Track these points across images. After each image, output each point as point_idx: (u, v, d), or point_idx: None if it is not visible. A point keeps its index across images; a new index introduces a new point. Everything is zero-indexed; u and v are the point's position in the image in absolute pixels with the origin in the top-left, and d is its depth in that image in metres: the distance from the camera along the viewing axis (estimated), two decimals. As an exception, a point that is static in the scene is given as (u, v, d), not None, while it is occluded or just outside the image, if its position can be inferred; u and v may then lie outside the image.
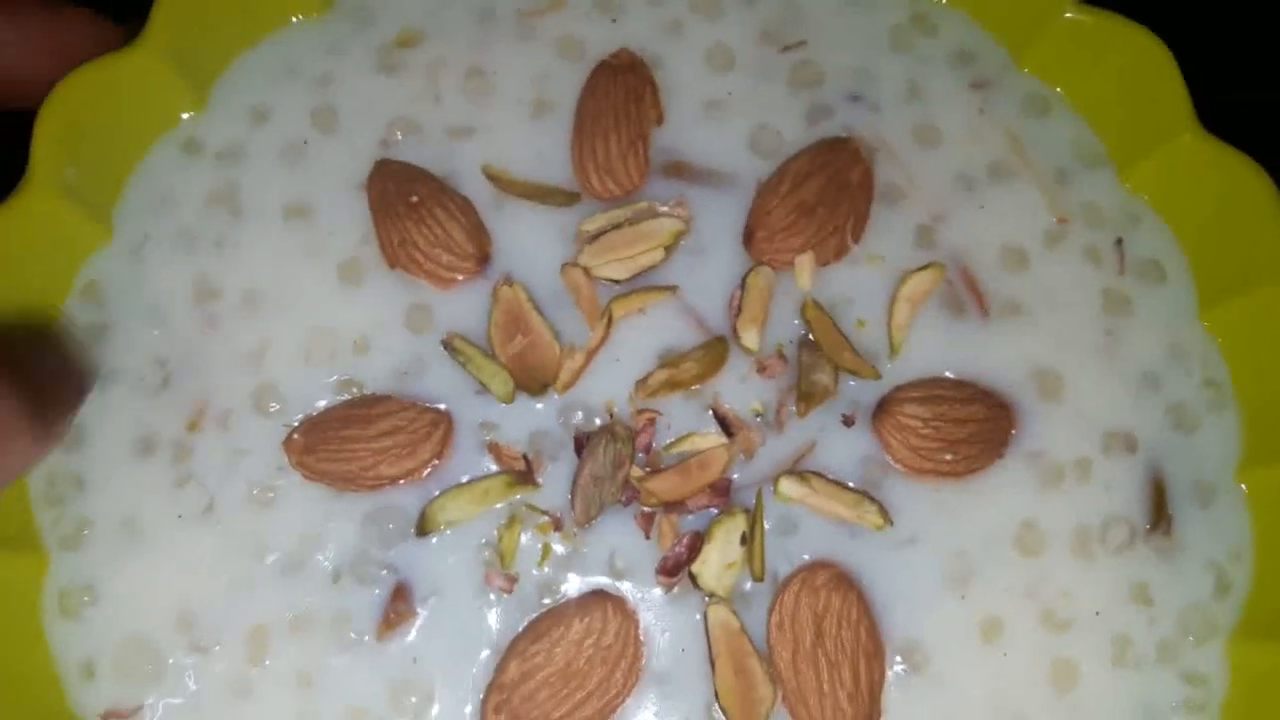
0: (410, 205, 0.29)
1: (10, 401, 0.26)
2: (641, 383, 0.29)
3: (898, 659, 0.29)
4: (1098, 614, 0.28)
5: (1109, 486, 0.28)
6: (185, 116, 0.31)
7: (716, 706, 0.27)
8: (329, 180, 0.30)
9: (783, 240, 0.29)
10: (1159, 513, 0.28)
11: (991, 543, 0.28)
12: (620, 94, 0.30)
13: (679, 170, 0.30)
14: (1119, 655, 0.28)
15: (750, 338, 0.29)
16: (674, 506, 0.29)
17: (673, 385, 0.29)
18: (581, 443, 0.29)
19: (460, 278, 0.29)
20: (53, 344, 0.29)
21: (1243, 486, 0.30)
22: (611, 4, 0.31)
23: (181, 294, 0.29)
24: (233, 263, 0.29)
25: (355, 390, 0.29)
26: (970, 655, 0.29)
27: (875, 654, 0.27)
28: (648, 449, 0.29)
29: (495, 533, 0.28)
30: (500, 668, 0.27)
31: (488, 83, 0.30)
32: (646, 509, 0.29)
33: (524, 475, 0.28)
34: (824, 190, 0.29)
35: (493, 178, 0.30)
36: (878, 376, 0.30)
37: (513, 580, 0.28)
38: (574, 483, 0.29)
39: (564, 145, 0.31)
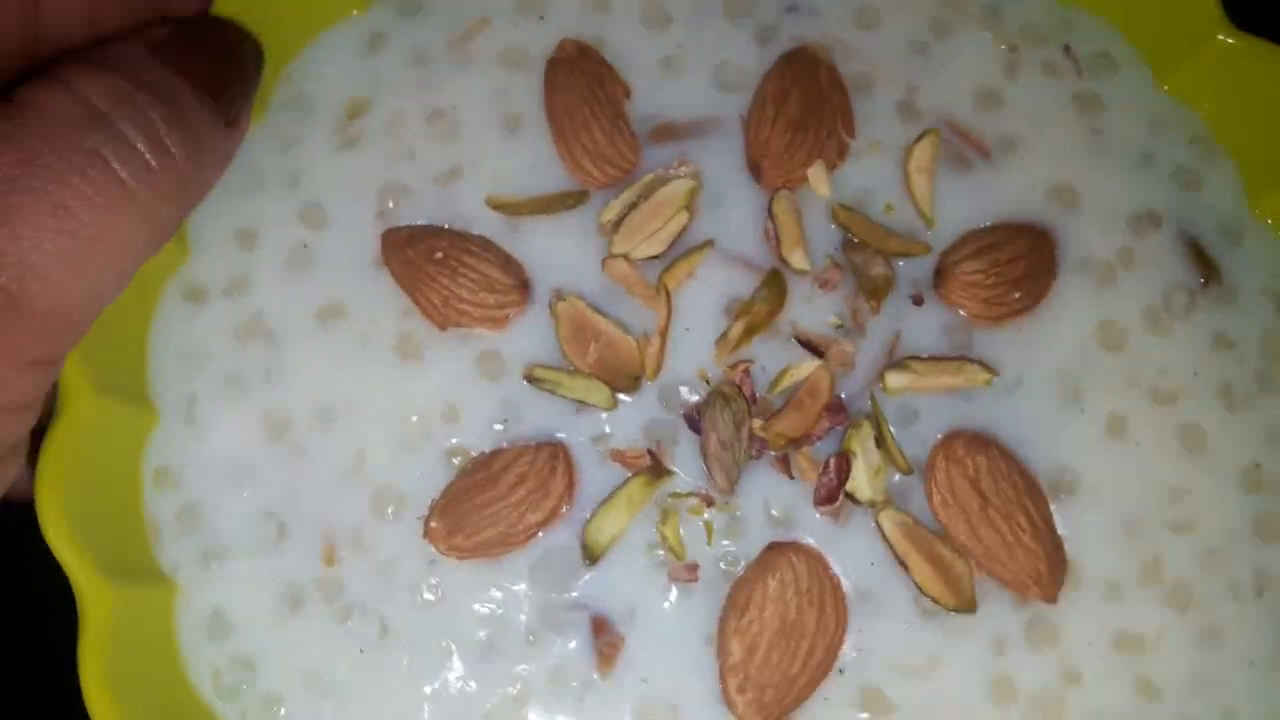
0: (437, 263, 0.30)
1: (195, 102, 0.26)
2: (721, 340, 0.31)
3: (1053, 489, 0.32)
4: (1196, 374, 0.30)
5: (1155, 262, 0.32)
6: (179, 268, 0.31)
7: (924, 598, 0.28)
8: (345, 270, 0.30)
9: (788, 160, 0.32)
10: (1205, 267, 0.31)
11: (1082, 353, 0.33)
12: (581, 83, 0.32)
13: (665, 133, 0.32)
14: (1228, 401, 0.30)
15: (798, 259, 0.32)
16: (801, 441, 0.31)
17: (750, 331, 0.31)
18: (694, 418, 0.31)
19: (511, 312, 0.29)
20: (215, 29, 0.29)
21: (1258, 213, 0.34)
22: (534, 4, 0.31)
23: (254, 438, 0.29)
24: (290, 388, 0.30)
25: (464, 457, 0.29)
26: (1110, 458, 0.33)
27: (1035, 490, 0.30)
28: (753, 398, 0.30)
29: (655, 532, 0.30)
30: (723, 651, 0.28)
31: (451, 120, 0.31)
32: (778, 453, 0.30)
33: (656, 469, 0.29)
34: (804, 102, 0.31)
35: (499, 206, 0.31)
36: (927, 250, 0.33)
37: (694, 569, 0.29)
38: (704, 456, 0.31)
39: (549, 150, 0.33)
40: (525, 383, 0.31)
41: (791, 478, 0.31)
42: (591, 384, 0.31)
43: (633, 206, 0.32)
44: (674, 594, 0.30)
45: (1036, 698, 0.30)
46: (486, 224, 0.33)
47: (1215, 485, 0.32)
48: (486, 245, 0.32)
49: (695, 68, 0.34)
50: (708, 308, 0.33)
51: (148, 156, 0.26)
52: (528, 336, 0.32)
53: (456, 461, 0.31)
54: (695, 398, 0.32)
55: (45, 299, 0.25)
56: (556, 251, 0.33)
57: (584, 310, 0.31)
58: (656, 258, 0.33)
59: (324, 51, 0.33)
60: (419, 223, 0.32)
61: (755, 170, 0.33)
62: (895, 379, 0.32)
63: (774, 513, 0.31)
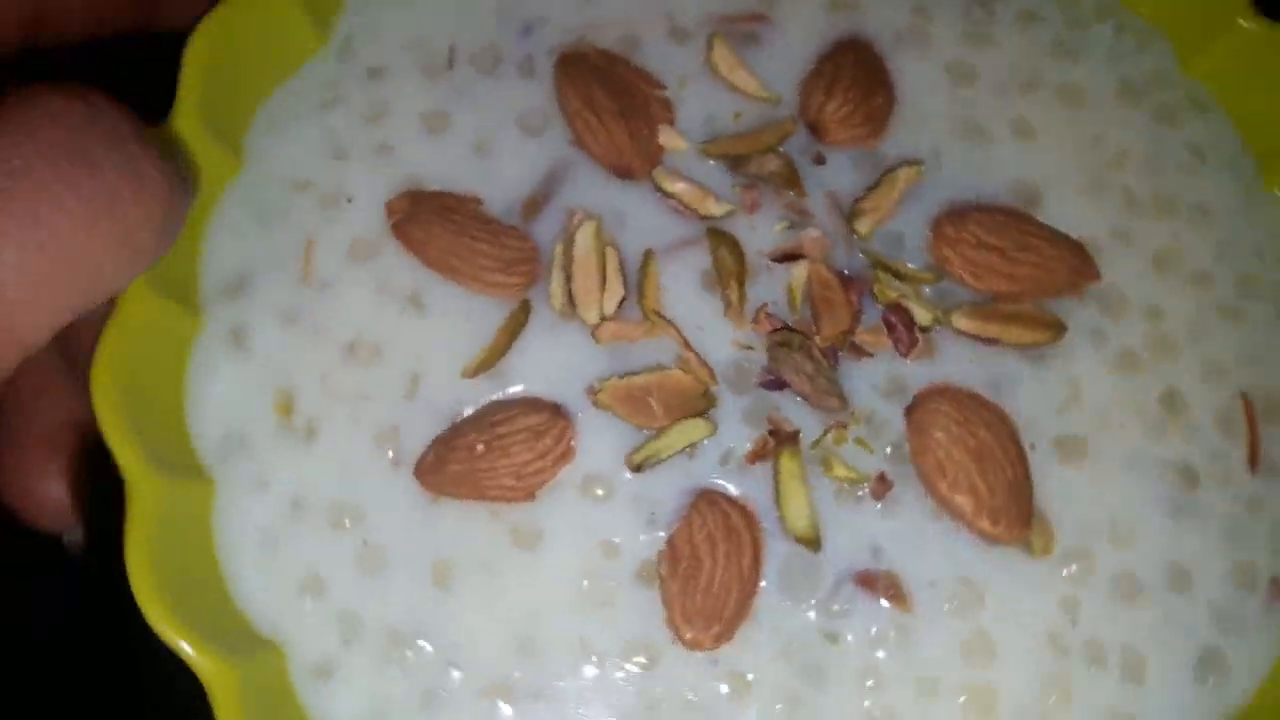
0: (485, 454, 0.34)
1: (155, 152, 0.25)
2: (729, 309, 0.35)
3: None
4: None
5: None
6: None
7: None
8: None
9: (634, 146, 0.36)
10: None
11: (949, 92, 0.38)
12: (437, 222, 0.35)
13: (532, 205, 0.37)
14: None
15: (713, 206, 0.36)
16: (853, 325, 0.35)
17: (739, 284, 0.35)
18: (773, 380, 0.34)
19: (567, 438, 0.34)
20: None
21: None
22: (338, 197, 0.35)
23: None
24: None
25: (651, 570, 0.33)
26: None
27: (1021, 215, 0.36)
28: (791, 327, 0.35)
29: (832, 482, 0.34)
30: (954, 506, 0.34)
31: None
32: (845, 349, 0.35)
33: (786, 438, 0.34)
34: (609, 93, 0.37)
35: (478, 369, 0.35)
36: (793, 122, 0.37)
37: (882, 478, 0.34)
38: (806, 397, 0.34)
39: (463, 293, 0.35)
40: (634, 473, 0.31)
41: (872, 355, 0.34)
42: (681, 428, 0.33)
43: (569, 279, 0.32)
44: (884, 506, 0.33)
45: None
46: (476, 392, 0.34)
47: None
48: (504, 408, 0.33)
49: (503, 140, 0.36)
50: (693, 297, 0.35)
51: (149, 169, 0.25)
52: (597, 443, 0.33)
53: (661, 571, 0.32)
54: (758, 365, 0.34)
55: None
56: (551, 363, 0.34)
57: (620, 384, 0.33)
58: (625, 298, 0.34)
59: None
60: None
61: (622, 172, 0.34)
62: (861, 224, 0.34)
63: (885, 391, 0.33)
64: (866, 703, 0.31)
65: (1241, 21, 0.36)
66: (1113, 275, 0.35)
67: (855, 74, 0.36)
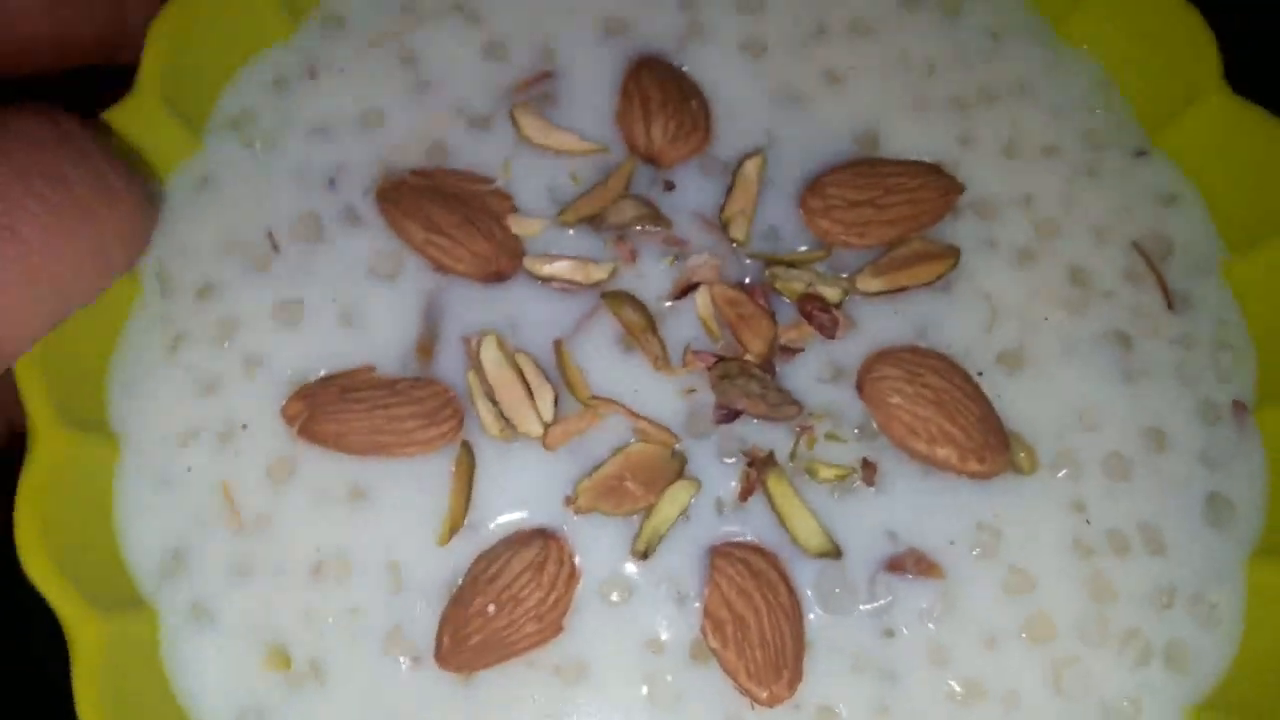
0: (494, 614, 0.33)
1: (122, 168, 0.28)
2: (656, 360, 0.35)
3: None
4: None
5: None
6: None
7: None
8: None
9: (471, 254, 0.37)
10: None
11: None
12: (356, 410, 0.35)
13: (423, 347, 0.35)
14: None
15: (595, 272, 0.36)
16: (773, 330, 0.36)
17: (652, 331, 0.36)
18: (726, 413, 0.35)
19: (566, 533, 0.34)
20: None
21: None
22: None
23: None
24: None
25: (699, 648, 0.33)
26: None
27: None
28: (721, 355, 0.36)
29: (827, 487, 0.35)
30: (939, 458, 0.35)
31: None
32: (779, 356, 0.36)
33: (765, 464, 0.33)
34: (438, 205, 0.37)
35: (451, 531, 0.33)
36: (605, 149, 0.38)
37: (870, 465, 0.35)
38: (763, 416, 0.35)
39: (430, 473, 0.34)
40: (642, 560, 0.34)
41: (803, 349, 0.36)
42: (668, 498, 0.35)
43: (495, 402, 0.33)
44: (878, 487, 0.35)
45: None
46: (459, 554, 0.34)
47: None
48: (494, 557, 0.33)
49: (364, 299, 0.36)
50: (618, 366, 0.35)
51: (116, 184, 0.27)
52: (596, 548, 0.34)
53: (711, 644, 0.33)
54: (708, 404, 0.35)
55: None
56: (518, 491, 0.34)
57: (592, 482, 0.34)
58: (556, 396, 0.35)
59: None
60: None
61: (494, 277, 0.36)
62: (736, 230, 0.37)
63: (829, 378, 0.36)
64: (946, 681, 0.33)
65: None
66: (975, 180, 0.37)
67: (661, 90, 0.38)
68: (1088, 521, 0.34)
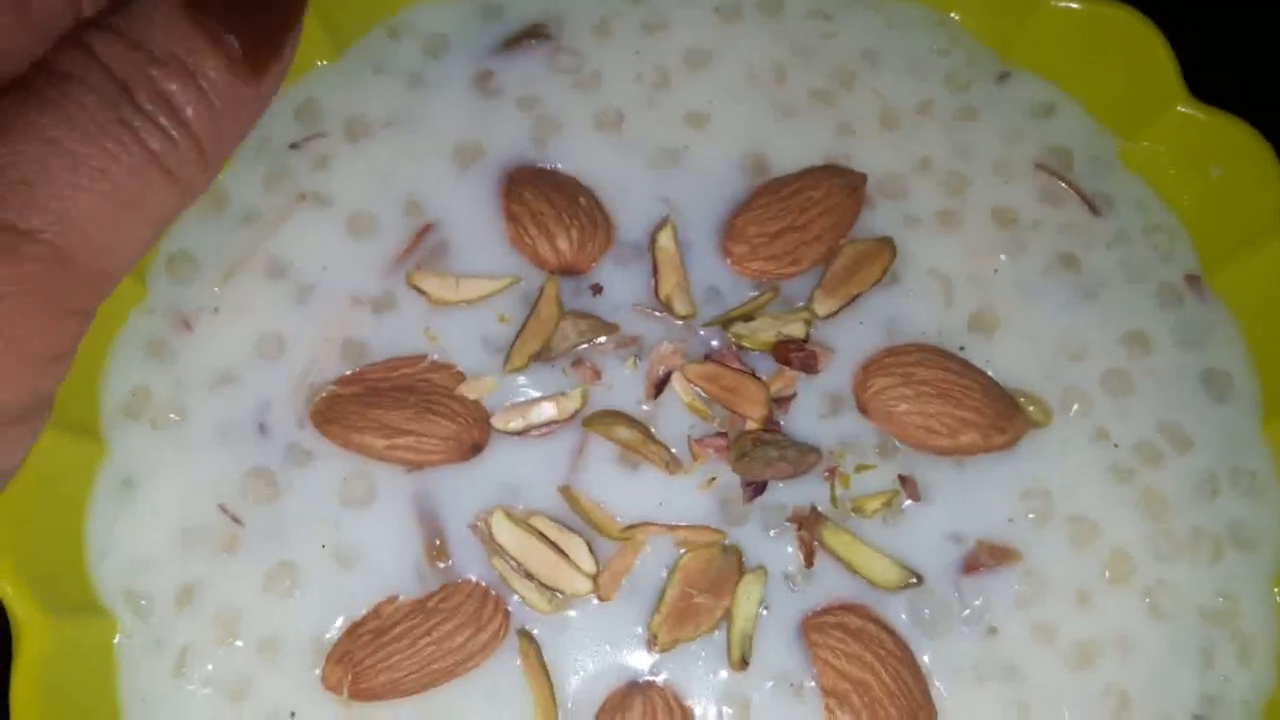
0: None
1: (216, 62, 0.30)
2: (668, 465, 0.36)
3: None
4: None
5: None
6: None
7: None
8: None
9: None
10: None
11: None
12: None
13: (437, 552, 0.34)
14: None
15: (572, 402, 0.36)
16: (768, 394, 0.36)
17: (648, 445, 0.36)
18: (755, 486, 0.35)
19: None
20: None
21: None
22: None
23: None
24: None
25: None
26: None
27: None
28: (730, 436, 0.36)
29: (871, 515, 0.35)
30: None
31: None
32: (778, 411, 0.36)
33: (812, 520, 0.31)
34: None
35: None
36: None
37: (910, 481, 0.36)
38: (799, 467, 0.35)
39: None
40: (744, 669, 0.34)
41: (795, 395, 0.36)
42: (741, 599, 0.34)
43: (530, 576, 0.34)
44: (924, 499, 0.36)
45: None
46: None
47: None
48: (614, 715, 0.34)
49: (354, 532, 0.35)
50: (632, 486, 0.35)
51: (169, 129, 0.30)
52: (695, 678, 0.34)
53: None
54: (735, 486, 0.36)
55: (86, 253, 0.30)
56: (594, 659, 0.34)
57: (664, 615, 0.34)
58: (590, 545, 0.35)
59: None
60: None
61: (472, 450, 0.36)
62: (679, 307, 0.37)
63: (831, 412, 0.36)
64: (1058, 654, 0.35)
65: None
66: (870, 164, 0.40)
67: (547, 202, 0.38)
68: (1115, 445, 0.37)
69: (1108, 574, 0.36)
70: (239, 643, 0.35)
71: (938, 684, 0.35)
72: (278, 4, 0.33)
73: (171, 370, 0.37)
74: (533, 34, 0.40)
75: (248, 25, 0.32)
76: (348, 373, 0.37)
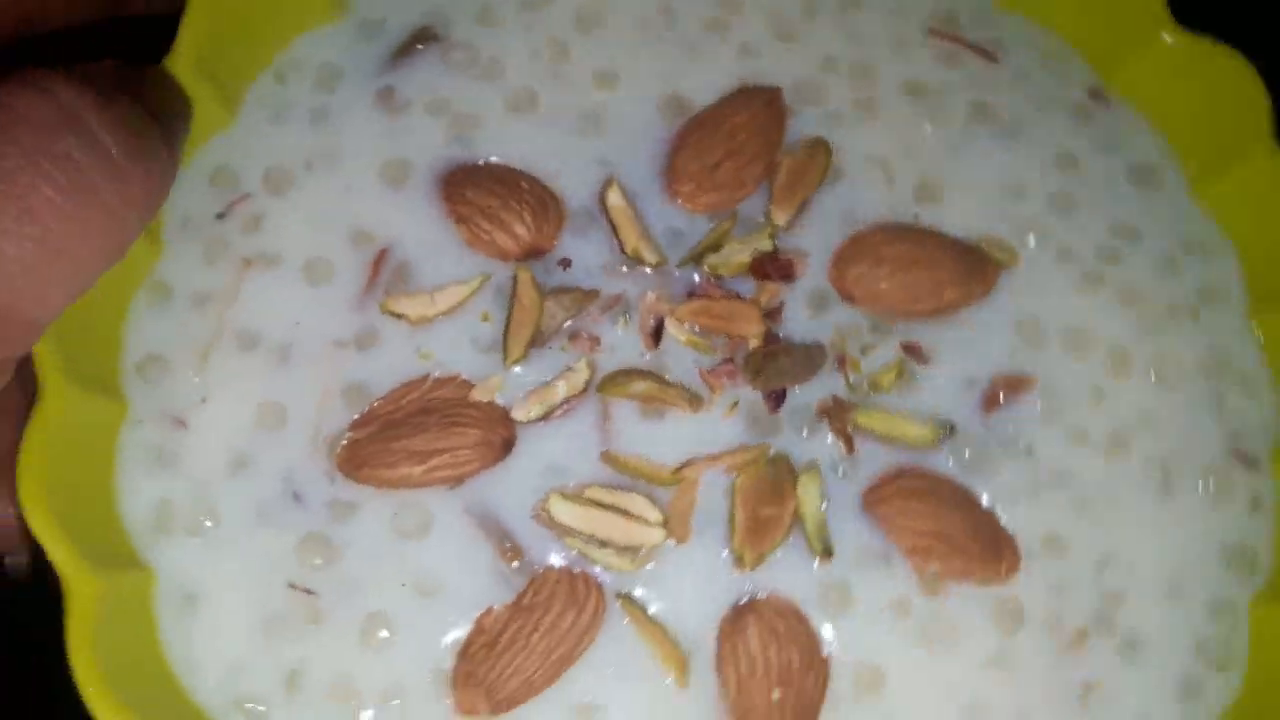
0: None
1: (148, 115, 0.31)
2: (690, 401, 0.37)
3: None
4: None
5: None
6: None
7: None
8: None
9: None
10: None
11: None
12: None
13: None
14: None
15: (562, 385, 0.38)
16: (773, 281, 0.38)
17: (660, 400, 0.37)
18: (775, 397, 0.36)
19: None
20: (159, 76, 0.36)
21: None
22: None
23: None
24: None
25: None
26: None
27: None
28: (738, 359, 0.37)
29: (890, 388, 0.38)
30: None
31: None
32: (769, 313, 0.38)
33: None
34: None
35: None
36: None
37: (914, 346, 0.38)
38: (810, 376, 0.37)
39: None
40: (829, 558, 0.36)
41: (783, 303, 0.38)
42: (806, 497, 0.36)
43: (606, 545, 0.35)
44: (931, 361, 0.38)
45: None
46: (703, 691, 0.35)
47: None
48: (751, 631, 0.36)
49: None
50: (667, 434, 0.36)
51: (120, 159, 0.29)
52: (794, 579, 0.36)
53: (934, 570, 0.36)
54: (758, 404, 0.37)
55: (5, 301, 0.29)
56: (703, 601, 0.36)
57: (742, 531, 0.35)
58: (650, 497, 0.36)
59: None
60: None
61: (503, 449, 0.36)
62: (648, 256, 0.38)
63: (819, 307, 0.38)
64: (1094, 449, 0.38)
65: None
66: (777, 74, 0.41)
67: (490, 195, 0.38)
68: (1078, 258, 0.40)
69: (1111, 367, 0.39)
70: (364, 707, 0.35)
71: (1001, 515, 0.37)
72: (177, 108, 0.34)
73: (183, 473, 0.37)
74: (420, 38, 0.41)
75: (161, 112, 0.33)
76: (357, 416, 0.37)
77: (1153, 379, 0.39)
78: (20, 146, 0.28)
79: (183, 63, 0.37)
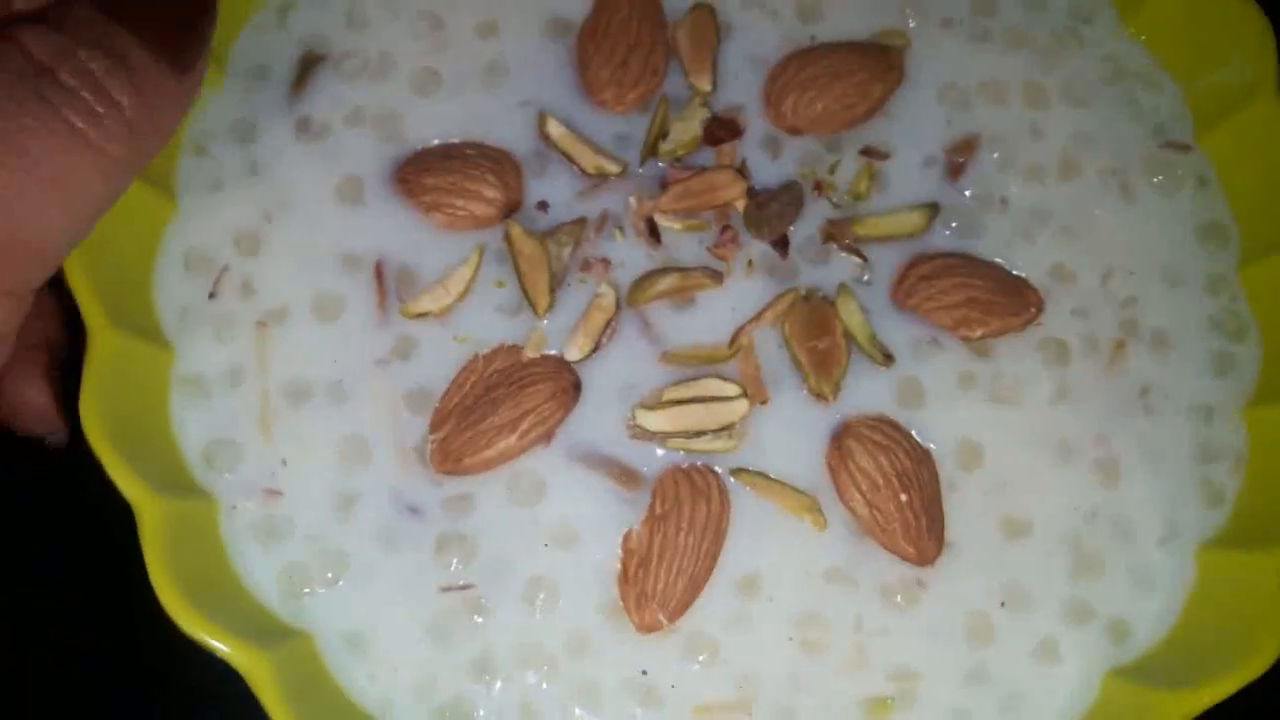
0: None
1: (141, 53, 0.33)
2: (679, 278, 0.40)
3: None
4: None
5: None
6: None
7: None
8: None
9: None
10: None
11: None
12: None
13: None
14: None
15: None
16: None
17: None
18: (779, 245, 0.40)
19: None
20: None
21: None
22: None
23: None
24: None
25: None
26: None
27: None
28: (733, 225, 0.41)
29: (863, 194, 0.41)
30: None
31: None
32: (741, 171, 0.41)
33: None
34: None
35: None
36: None
37: (875, 150, 0.41)
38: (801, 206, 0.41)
39: None
40: (890, 364, 0.39)
41: (745, 157, 0.40)
42: (847, 316, 0.39)
43: (706, 434, 0.38)
44: (890, 158, 0.42)
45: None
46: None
47: None
48: (862, 447, 0.38)
49: None
50: (697, 317, 0.39)
51: (92, 103, 0.31)
52: (868, 393, 0.39)
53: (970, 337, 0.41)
54: (771, 254, 0.40)
55: (6, 231, 0.32)
56: (802, 442, 0.38)
57: (810, 368, 0.38)
58: (719, 375, 0.39)
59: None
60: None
61: (572, 389, 0.38)
62: (607, 167, 0.40)
63: (776, 145, 0.41)
64: (1054, 174, 0.42)
65: None
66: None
67: (436, 178, 0.40)
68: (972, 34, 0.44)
69: (1032, 102, 0.42)
70: (560, 664, 0.38)
71: (1006, 264, 0.41)
72: (192, 18, 0.34)
73: (297, 535, 0.39)
74: (308, 64, 0.42)
75: (166, 31, 0.33)
76: (430, 419, 0.39)
77: (1069, 101, 0.44)
78: (4, 90, 0.30)
79: None
